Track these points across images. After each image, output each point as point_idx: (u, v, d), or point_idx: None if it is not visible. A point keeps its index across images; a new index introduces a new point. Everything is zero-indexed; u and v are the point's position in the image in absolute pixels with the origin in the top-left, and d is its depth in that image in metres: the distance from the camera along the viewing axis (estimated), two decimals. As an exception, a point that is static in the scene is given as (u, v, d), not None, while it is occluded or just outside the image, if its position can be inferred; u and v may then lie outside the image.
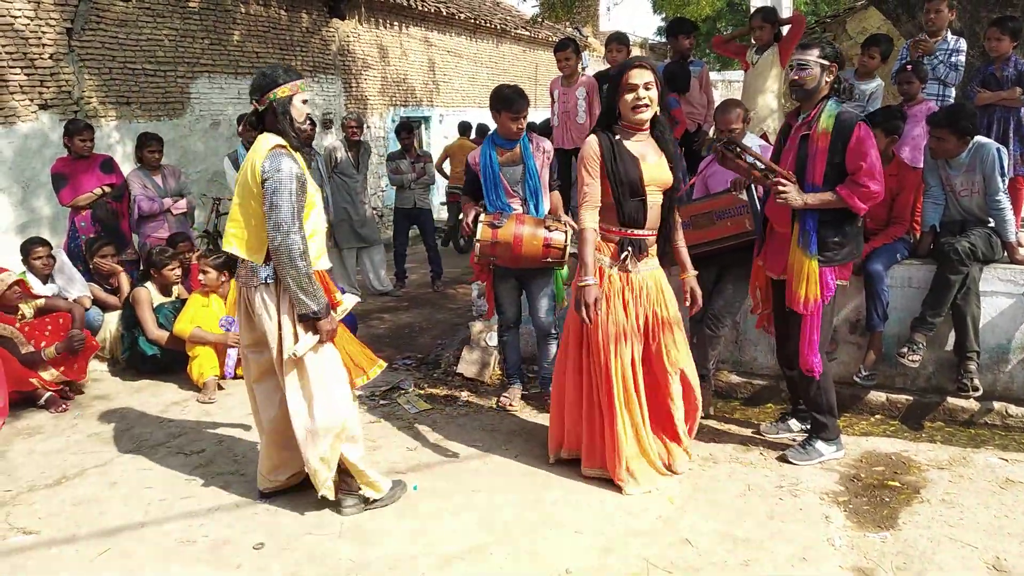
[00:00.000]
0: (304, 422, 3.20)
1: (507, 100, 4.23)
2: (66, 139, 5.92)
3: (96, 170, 5.95)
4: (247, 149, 6.50)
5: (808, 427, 3.92)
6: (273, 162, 3.04)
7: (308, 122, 3.13)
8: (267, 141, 3.12)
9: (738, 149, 3.61)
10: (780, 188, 3.45)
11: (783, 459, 3.76)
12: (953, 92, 5.21)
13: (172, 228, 6.19)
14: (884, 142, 4.18)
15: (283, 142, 3.12)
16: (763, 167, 3.55)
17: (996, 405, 4.17)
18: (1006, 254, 4.24)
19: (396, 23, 12.34)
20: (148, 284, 5.43)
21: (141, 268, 5.76)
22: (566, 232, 4.18)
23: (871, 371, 4.28)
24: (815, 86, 3.46)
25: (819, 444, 3.75)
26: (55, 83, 7.07)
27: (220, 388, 5.02)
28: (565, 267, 4.38)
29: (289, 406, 3.21)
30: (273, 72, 3.15)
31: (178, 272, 5.52)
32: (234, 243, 3.19)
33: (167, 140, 7.48)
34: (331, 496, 3.32)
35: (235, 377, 5.12)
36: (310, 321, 3.14)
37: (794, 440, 3.94)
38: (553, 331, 4.54)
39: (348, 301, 3.39)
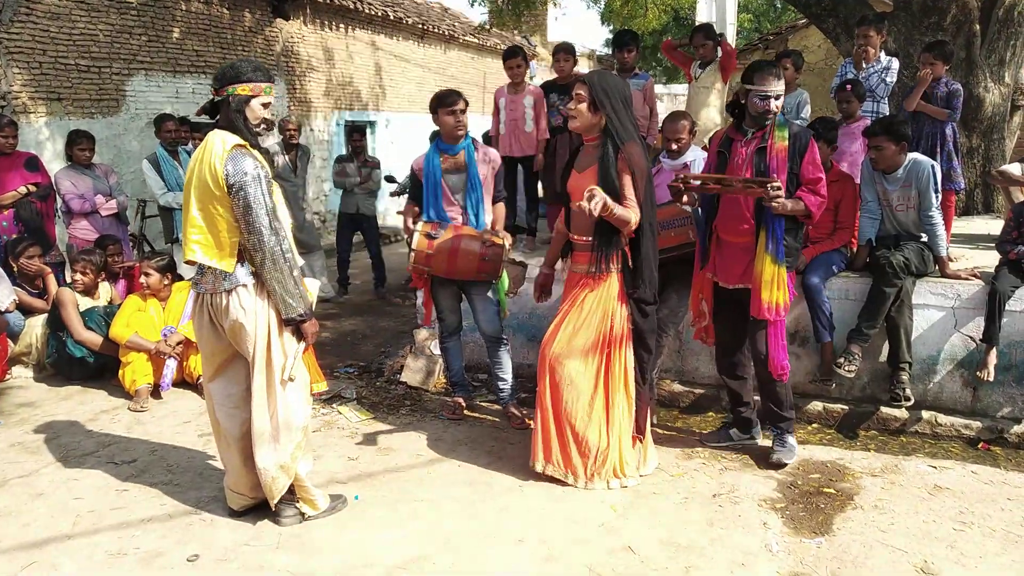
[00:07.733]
0: (266, 422, 3.09)
1: (439, 97, 4.21)
2: None
3: (20, 168, 5.71)
4: (168, 151, 6.42)
5: (747, 436, 4.05)
6: (237, 164, 2.90)
7: (263, 125, 3.05)
8: (222, 140, 2.95)
9: (700, 182, 3.64)
10: (776, 194, 3.47)
11: (777, 464, 3.81)
12: (887, 109, 5.39)
13: (102, 229, 5.97)
14: (826, 151, 4.33)
15: (241, 141, 2.98)
16: (742, 179, 3.57)
17: (926, 415, 4.32)
18: (937, 268, 4.40)
19: (342, 25, 12.20)
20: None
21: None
22: (503, 246, 4.12)
23: (826, 376, 4.40)
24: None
25: (790, 438, 3.89)
26: (-20, 76, 6.77)
27: (159, 397, 4.86)
28: (505, 277, 4.35)
29: (253, 406, 3.08)
30: (239, 66, 2.98)
31: (85, 278, 5.24)
32: (199, 251, 2.98)
33: (100, 138, 7.25)
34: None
35: (187, 385, 4.99)
36: (295, 325, 3.06)
37: (736, 448, 4.04)
38: (503, 337, 4.42)
39: (312, 286, 3.25)
